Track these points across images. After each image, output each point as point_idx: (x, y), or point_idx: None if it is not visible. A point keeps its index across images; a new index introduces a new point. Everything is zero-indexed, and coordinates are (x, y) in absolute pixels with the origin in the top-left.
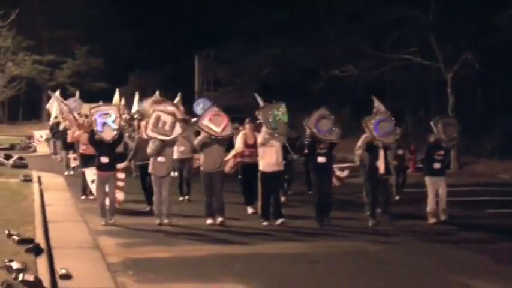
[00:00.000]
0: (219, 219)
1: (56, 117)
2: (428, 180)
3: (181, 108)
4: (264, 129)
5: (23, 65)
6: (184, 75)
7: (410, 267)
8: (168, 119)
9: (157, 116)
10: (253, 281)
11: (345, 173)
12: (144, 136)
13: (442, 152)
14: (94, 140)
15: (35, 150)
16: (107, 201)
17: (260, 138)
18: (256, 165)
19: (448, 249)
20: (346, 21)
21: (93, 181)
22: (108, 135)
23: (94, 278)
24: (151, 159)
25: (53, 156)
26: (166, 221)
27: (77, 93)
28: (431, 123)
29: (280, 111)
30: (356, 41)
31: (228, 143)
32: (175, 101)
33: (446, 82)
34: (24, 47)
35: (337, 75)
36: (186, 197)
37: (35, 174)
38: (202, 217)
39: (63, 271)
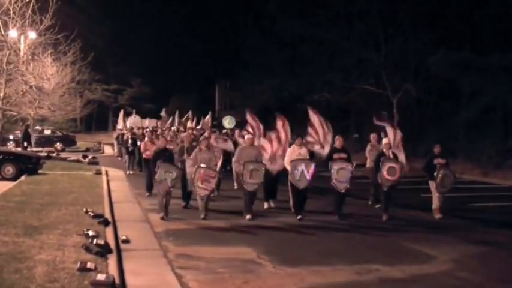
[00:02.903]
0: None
1: (120, 129)
2: (432, 184)
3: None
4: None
5: (95, 92)
6: (209, 99)
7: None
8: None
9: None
10: (258, 244)
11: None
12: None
13: (441, 161)
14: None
15: (103, 152)
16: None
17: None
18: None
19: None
20: (324, 60)
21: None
22: (165, 186)
23: (145, 242)
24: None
25: (119, 158)
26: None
27: (134, 111)
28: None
29: None
30: (330, 75)
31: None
32: (206, 118)
33: (393, 104)
34: (97, 79)
35: (315, 99)
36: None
37: (103, 169)
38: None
39: (124, 237)
